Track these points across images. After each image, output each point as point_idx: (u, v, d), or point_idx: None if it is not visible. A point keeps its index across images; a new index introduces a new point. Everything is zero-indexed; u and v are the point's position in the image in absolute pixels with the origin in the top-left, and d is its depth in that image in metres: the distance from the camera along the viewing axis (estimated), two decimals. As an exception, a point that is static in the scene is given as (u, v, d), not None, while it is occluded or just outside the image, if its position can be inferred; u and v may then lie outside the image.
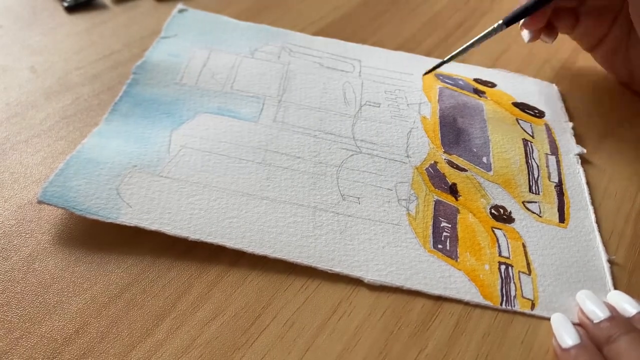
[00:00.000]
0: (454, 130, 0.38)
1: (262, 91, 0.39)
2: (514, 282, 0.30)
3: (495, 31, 0.37)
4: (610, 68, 0.43)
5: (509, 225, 0.33)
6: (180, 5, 0.46)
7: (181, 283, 0.28)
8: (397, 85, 0.41)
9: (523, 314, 0.29)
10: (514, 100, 0.42)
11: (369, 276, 0.29)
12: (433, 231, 0.31)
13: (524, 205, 0.34)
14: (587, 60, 0.46)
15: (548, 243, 0.32)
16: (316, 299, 0.28)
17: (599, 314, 0.27)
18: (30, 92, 0.38)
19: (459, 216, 0.32)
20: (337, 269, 0.29)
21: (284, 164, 0.34)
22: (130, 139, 0.34)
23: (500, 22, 0.37)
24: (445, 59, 0.40)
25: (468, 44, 0.38)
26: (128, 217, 0.29)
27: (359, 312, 0.28)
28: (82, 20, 0.45)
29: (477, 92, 0.42)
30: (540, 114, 0.41)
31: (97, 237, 0.29)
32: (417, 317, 0.28)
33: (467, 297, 0.29)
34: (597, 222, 0.33)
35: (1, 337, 0.25)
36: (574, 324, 0.27)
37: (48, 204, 0.29)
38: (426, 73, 0.41)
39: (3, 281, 0.27)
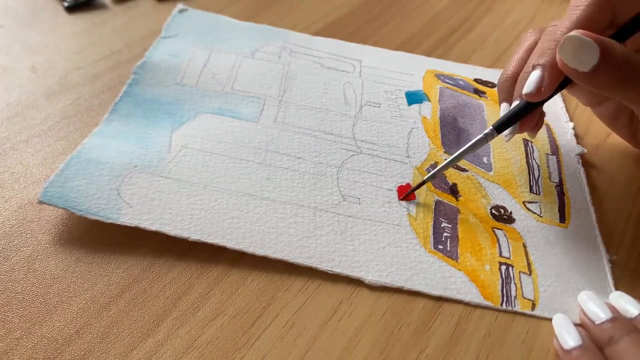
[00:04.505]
0: (454, 131, 0.38)
1: (262, 91, 0.39)
2: (514, 283, 0.30)
3: (486, 138, 0.31)
4: (612, 127, 0.38)
5: (510, 225, 0.33)
6: (180, 5, 0.46)
7: (182, 283, 0.28)
8: (397, 85, 0.41)
9: (524, 315, 0.29)
10: (515, 100, 0.42)
11: (370, 277, 0.29)
12: (433, 231, 0.31)
13: (525, 205, 0.34)
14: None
15: (549, 243, 0.32)
16: (317, 300, 0.28)
17: (600, 314, 0.27)
18: (30, 92, 0.38)
19: (459, 216, 0.32)
20: (338, 270, 0.29)
21: (284, 164, 0.34)
22: (130, 139, 0.34)
23: (491, 128, 0.31)
24: (434, 171, 0.32)
25: (457, 153, 0.31)
26: (129, 218, 0.29)
27: (359, 312, 0.28)
28: (82, 20, 0.45)
29: (477, 92, 0.42)
30: (540, 114, 0.40)
31: (97, 238, 0.29)
32: (417, 318, 0.28)
33: (467, 298, 0.29)
34: (598, 222, 0.33)
35: (2, 337, 0.25)
36: (575, 325, 0.27)
37: (49, 204, 0.29)
38: (404, 197, 0.33)
39: (4, 281, 0.27)
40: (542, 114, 0.33)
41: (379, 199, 0.33)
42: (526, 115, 0.31)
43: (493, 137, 0.31)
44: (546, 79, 0.29)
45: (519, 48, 0.33)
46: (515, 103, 0.31)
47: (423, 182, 0.33)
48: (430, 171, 0.34)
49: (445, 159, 0.35)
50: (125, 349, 0.25)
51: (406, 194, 0.33)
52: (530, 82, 0.29)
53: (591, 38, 0.26)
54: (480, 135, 0.31)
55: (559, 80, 0.29)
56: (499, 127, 0.31)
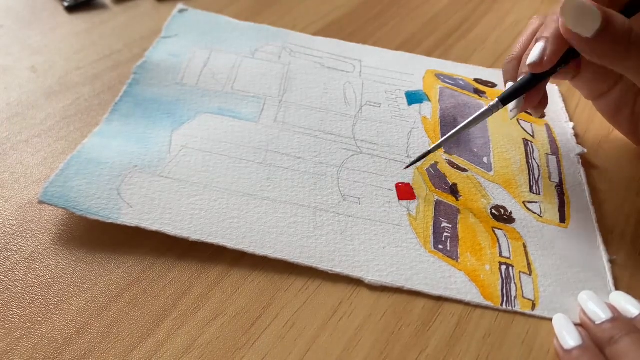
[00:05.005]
0: (454, 131, 0.38)
1: (262, 91, 0.39)
2: (514, 283, 0.30)
3: (491, 110, 0.32)
4: (613, 121, 0.38)
5: (510, 225, 0.33)
6: (180, 5, 0.46)
7: (182, 283, 0.28)
8: (397, 85, 0.41)
9: (524, 315, 0.29)
10: (515, 100, 0.42)
11: (370, 277, 0.29)
12: (434, 231, 0.31)
13: (525, 205, 0.34)
14: (587, 61, 0.46)
15: (549, 243, 0.32)
16: (317, 300, 0.28)
17: (600, 314, 0.27)
18: (30, 92, 0.38)
19: (459, 216, 0.32)
20: (338, 270, 0.29)
21: (284, 164, 0.34)
22: (131, 139, 0.34)
23: (497, 100, 0.31)
24: (438, 142, 0.33)
25: (461, 125, 0.32)
26: (129, 218, 0.29)
27: (359, 312, 0.28)
28: (82, 20, 0.45)
29: (477, 92, 0.42)
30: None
31: (97, 238, 0.29)
32: (417, 318, 0.28)
33: (467, 298, 0.29)
34: (598, 222, 0.33)
35: (2, 337, 0.25)
36: (576, 325, 0.27)
37: (49, 204, 0.29)
38: (409, 165, 0.34)
39: (4, 281, 0.27)
40: (546, 93, 0.33)
41: (379, 199, 0.33)
42: (531, 89, 0.32)
43: (498, 109, 0.32)
44: (549, 48, 0.30)
45: (524, 32, 0.34)
46: (520, 78, 0.32)
47: (428, 152, 0.33)
48: (430, 172, 0.35)
49: (446, 160, 0.35)
50: (125, 349, 0.25)
51: (413, 161, 0.34)
52: (534, 52, 0.30)
53: (594, 5, 0.27)
54: (486, 107, 0.32)
55: (562, 51, 0.30)
56: (504, 99, 0.32)
